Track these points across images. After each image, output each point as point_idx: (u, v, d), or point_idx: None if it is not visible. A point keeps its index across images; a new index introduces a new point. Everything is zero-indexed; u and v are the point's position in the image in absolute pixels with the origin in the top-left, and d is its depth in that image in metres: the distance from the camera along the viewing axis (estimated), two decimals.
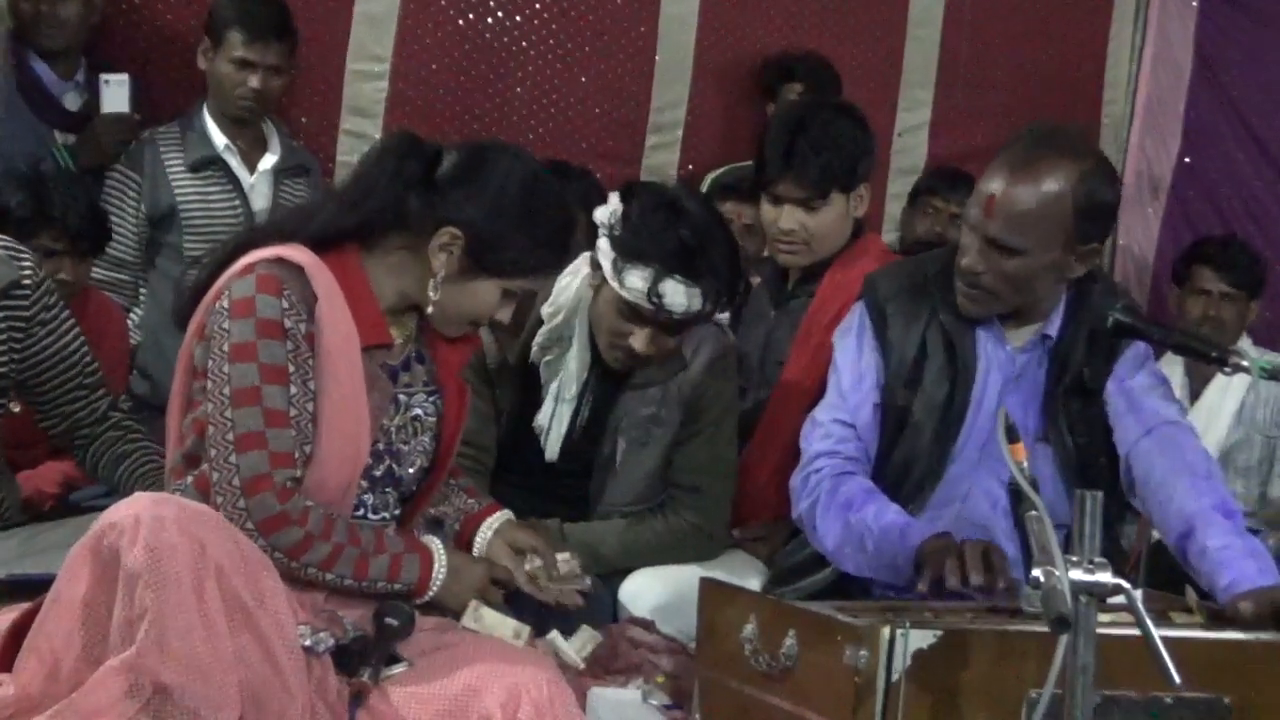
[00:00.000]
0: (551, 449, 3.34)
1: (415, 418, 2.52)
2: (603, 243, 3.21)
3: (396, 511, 2.54)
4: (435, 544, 2.48)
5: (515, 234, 2.44)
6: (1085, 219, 2.82)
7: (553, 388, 3.32)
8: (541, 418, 3.33)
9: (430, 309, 2.46)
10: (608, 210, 3.23)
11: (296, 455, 2.32)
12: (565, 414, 3.32)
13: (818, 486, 2.93)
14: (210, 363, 2.34)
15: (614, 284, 3.17)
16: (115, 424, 3.12)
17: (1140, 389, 2.94)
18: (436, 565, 2.44)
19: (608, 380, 3.34)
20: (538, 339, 3.31)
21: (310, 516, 2.31)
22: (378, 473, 2.47)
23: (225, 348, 2.32)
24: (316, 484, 2.35)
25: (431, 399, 2.54)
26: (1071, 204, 2.80)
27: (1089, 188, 2.82)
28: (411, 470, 2.52)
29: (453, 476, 2.71)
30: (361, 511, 2.46)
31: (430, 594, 2.44)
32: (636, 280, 3.14)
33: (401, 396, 2.50)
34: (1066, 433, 2.95)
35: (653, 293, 3.13)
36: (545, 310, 3.32)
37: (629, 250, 3.16)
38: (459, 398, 2.57)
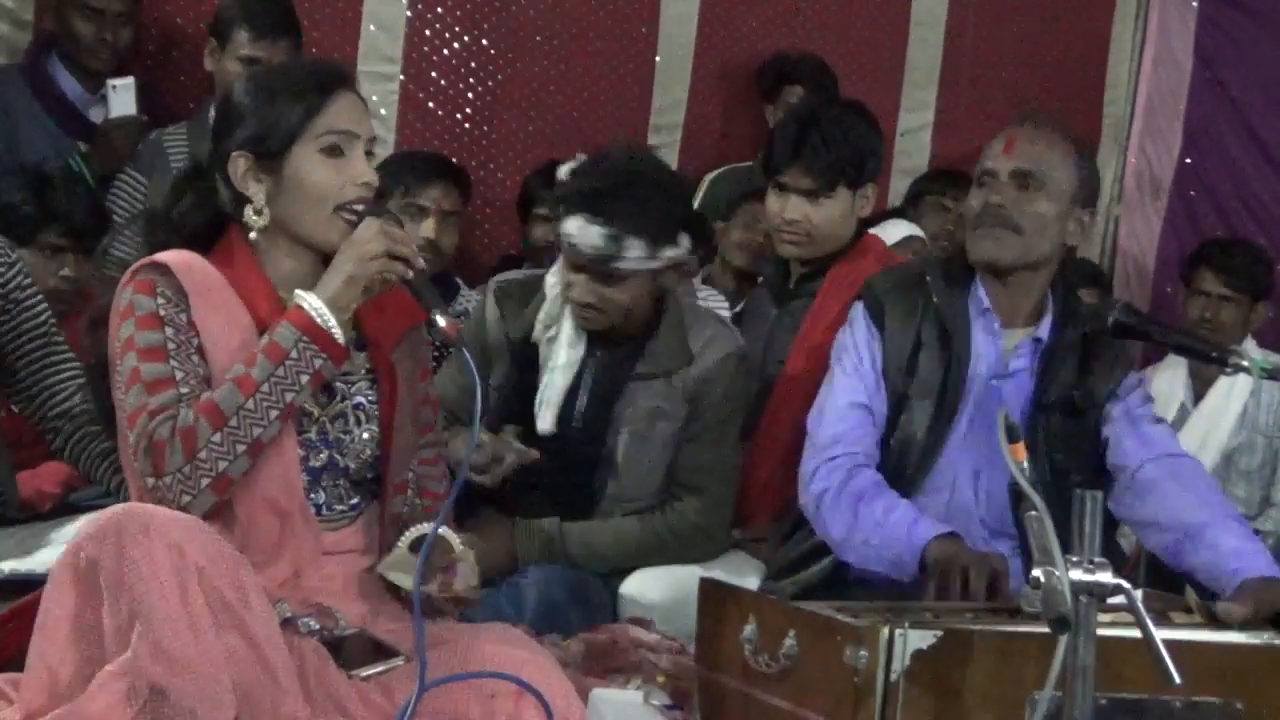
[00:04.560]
0: (544, 420, 3.34)
1: (358, 406, 2.47)
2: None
3: (355, 501, 2.49)
4: (299, 297, 2.35)
5: (271, 103, 2.42)
6: (1083, 179, 3.03)
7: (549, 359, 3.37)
8: (541, 390, 3.36)
9: (256, 233, 2.42)
10: (566, 168, 3.35)
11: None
12: (556, 382, 3.34)
13: (830, 475, 2.94)
14: (112, 369, 2.38)
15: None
16: (93, 416, 3.07)
17: (1142, 417, 3.02)
18: (314, 312, 2.33)
19: (610, 366, 3.35)
20: (540, 315, 3.35)
21: (166, 420, 2.27)
22: (316, 464, 2.43)
23: (114, 352, 2.36)
24: (245, 482, 2.32)
25: (374, 386, 2.50)
26: (1075, 156, 3.03)
27: (1082, 152, 3.08)
28: (360, 460, 2.47)
29: (422, 496, 2.61)
30: (315, 510, 2.43)
31: (338, 335, 2.33)
32: (560, 226, 3.26)
33: (339, 384, 2.46)
34: (1044, 449, 2.97)
35: (563, 232, 3.24)
36: (549, 281, 3.37)
37: (557, 200, 3.31)
38: (391, 380, 2.50)
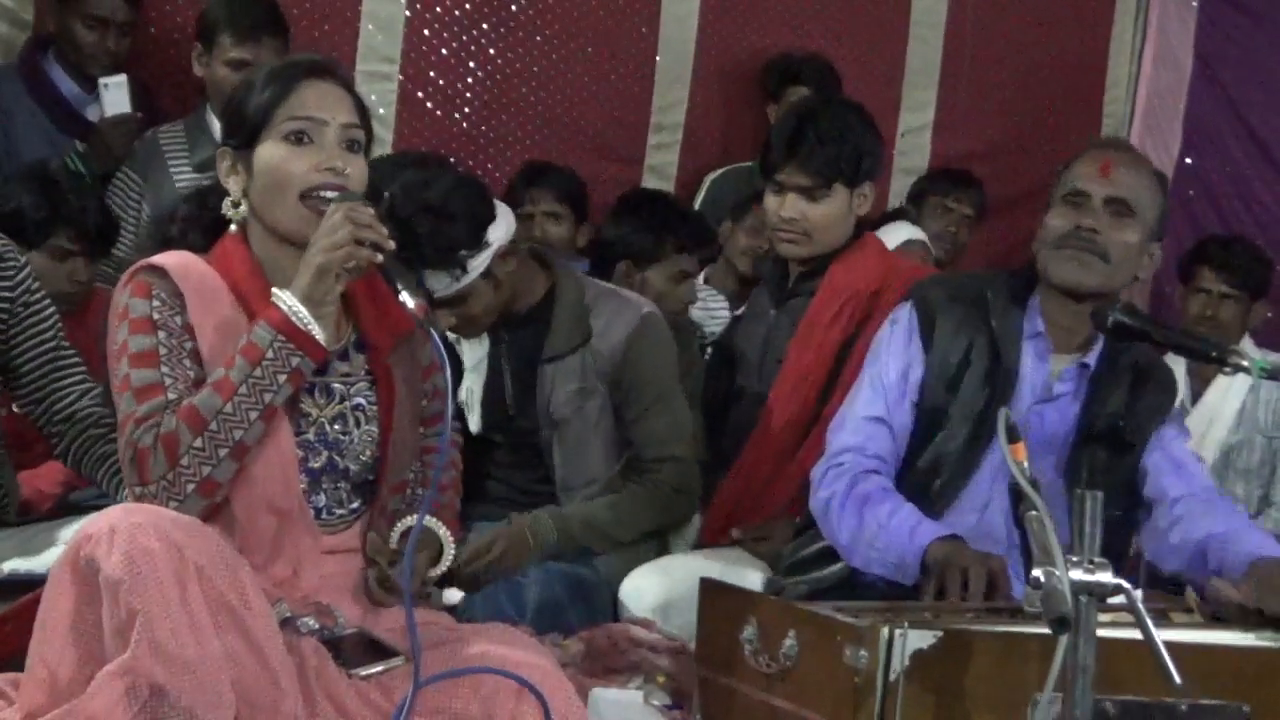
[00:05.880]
0: (473, 423, 3.49)
1: (357, 407, 2.47)
2: None
3: (355, 504, 2.49)
4: (275, 295, 2.33)
5: (245, 98, 2.45)
6: (1162, 213, 2.99)
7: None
8: (461, 393, 3.48)
9: (235, 223, 2.44)
10: None
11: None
12: (471, 384, 3.48)
13: (838, 479, 2.93)
14: (110, 372, 2.38)
15: None
16: (97, 420, 3.10)
17: (1182, 451, 3.00)
18: (290, 311, 2.31)
19: (522, 346, 3.46)
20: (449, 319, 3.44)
21: (150, 429, 2.28)
22: (315, 465, 2.43)
23: (110, 355, 2.37)
24: (244, 482, 2.32)
25: (374, 388, 2.49)
26: (1159, 189, 2.99)
27: (1164, 186, 3.03)
28: (360, 461, 2.46)
29: (421, 486, 2.60)
30: (315, 514, 2.42)
31: (316, 332, 2.32)
32: None
33: (338, 386, 2.46)
34: (1086, 480, 2.94)
35: None
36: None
37: None
38: (388, 383, 2.49)
